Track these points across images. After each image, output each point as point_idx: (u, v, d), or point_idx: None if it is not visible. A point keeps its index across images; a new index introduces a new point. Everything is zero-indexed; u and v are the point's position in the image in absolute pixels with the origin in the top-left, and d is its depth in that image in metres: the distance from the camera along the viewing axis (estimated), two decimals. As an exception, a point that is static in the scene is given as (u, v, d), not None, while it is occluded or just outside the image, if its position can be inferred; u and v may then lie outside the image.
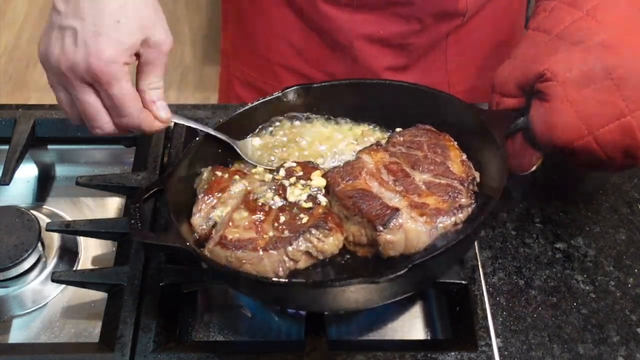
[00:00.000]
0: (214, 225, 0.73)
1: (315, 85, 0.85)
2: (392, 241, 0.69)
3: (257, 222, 0.70)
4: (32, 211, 0.84)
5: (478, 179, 0.76)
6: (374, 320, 0.81)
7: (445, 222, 0.70)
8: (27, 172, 0.96)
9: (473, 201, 0.73)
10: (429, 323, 0.81)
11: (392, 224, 0.69)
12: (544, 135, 0.75)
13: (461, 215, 0.71)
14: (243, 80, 1.17)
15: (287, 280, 0.68)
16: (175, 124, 0.93)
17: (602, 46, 0.72)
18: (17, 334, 0.80)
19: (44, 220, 0.86)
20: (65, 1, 0.68)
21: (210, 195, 0.74)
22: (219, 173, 0.76)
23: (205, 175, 0.77)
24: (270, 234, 0.69)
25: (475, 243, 0.82)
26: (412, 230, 0.69)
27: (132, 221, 0.69)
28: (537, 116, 0.75)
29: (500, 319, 0.78)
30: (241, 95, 1.18)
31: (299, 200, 0.73)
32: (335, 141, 0.85)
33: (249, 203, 0.72)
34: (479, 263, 0.80)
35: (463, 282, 0.77)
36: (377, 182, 0.74)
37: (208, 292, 0.83)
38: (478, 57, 1.10)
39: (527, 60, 0.77)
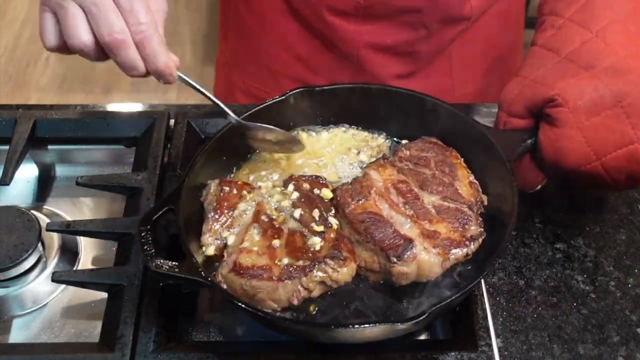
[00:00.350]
0: (224, 245, 0.73)
1: (318, 88, 0.85)
2: (406, 273, 0.70)
3: (270, 247, 0.71)
4: (32, 211, 0.84)
5: (486, 202, 0.77)
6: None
7: (458, 254, 0.71)
8: (27, 172, 0.96)
9: (482, 229, 0.74)
10: (430, 323, 0.81)
11: (406, 256, 0.70)
12: (552, 159, 0.76)
13: (473, 247, 0.72)
14: (245, 91, 1.17)
15: (305, 320, 0.69)
16: (176, 123, 0.93)
17: (611, 71, 0.73)
18: (17, 334, 0.80)
19: (44, 220, 0.86)
20: None
21: (219, 214, 0.74)
22: (226, 188, 0.76)
23: (212, 189, 0.77)
24: (285, 261, 0.70)
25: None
26: (425, 262, 0.70)
27: (146, 247, 0.68)
28: (546, 141, 0.76)
29: (501, 319, 0.78)
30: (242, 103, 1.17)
31: (309, 223, 0.73)
32: (337, 147, 0.86)
33: (261, 224, 0.72)
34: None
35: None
36: (387, 203, 0.75)
37: (208, 292, 0.83)
38: (481, 60, 1.10)
39: (537, 82, 0.77)
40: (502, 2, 1.06)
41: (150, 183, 0.86)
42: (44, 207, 0.93)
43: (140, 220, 0.71)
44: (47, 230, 0.83)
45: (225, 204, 0.75)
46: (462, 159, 0.81)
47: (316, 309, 0.71)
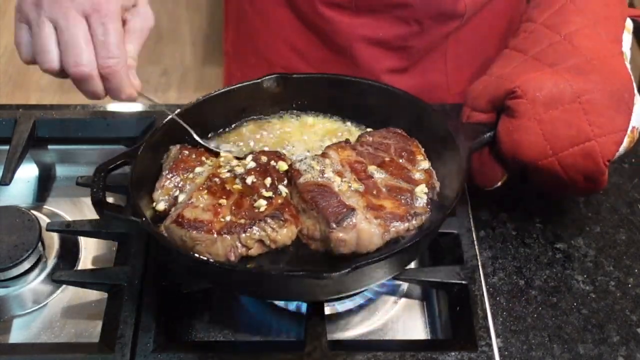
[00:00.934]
0: (175, 204, 0.73)
1: (294, 75, 0.85)
2: (344, 239, 0.70)
3: (216, 205, 0.71)
4: (32, 211, 0.84)
5: (438, 189, 0.76)
6: (375, 320, 0.81)
7: (399, 227, 0.71)
8: (27, 172, 0.96)
9: (429, 209, 0.73)
10: (429, 323, 0.81)
11: (345, 222, 0.69)
12: (509, 150, 0.76)
13: (415, 222, 0.72)
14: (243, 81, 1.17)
15: (230, 265, 0.68)
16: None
17: (574, 69, 0.74)
18: (18, 334, 0.80)
19: (44, 220, 0.86)
20: None
21: (174, 173, 0.75)
22: (186, 152, 0.77)
23: (172, 152, 0.78)
24: (227, 218, 0.70)
25: (476, 243, 0.82)
26: (365, 231, 0.70)
27: (94, 189, 0.70)
28: (504, 131, 0.77)
29: (501, 319, 0.78)
30: None
31: (260, 187, 0.73)
32: (308, 135, 0.86)
33: (212, 186, 0.73)
34: (479, 263, 0.80)
35: (463, 282, 0.77)
36: (338, 178, 0.75)
37: (208, 292, 0.83)
38: (477, 57, 1.10)
39: (501, 78, 0.78)
40: (498, 1, 1.06)
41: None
42: (44, 207, 0.93)
43: (96, 169, 0.72)
44: (47, 230, 0.83)
45: (182, 165, 0.76)
46: (423, 149, 0.80)
47: (252, 268, 0.71)
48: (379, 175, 0.76)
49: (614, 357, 0.75)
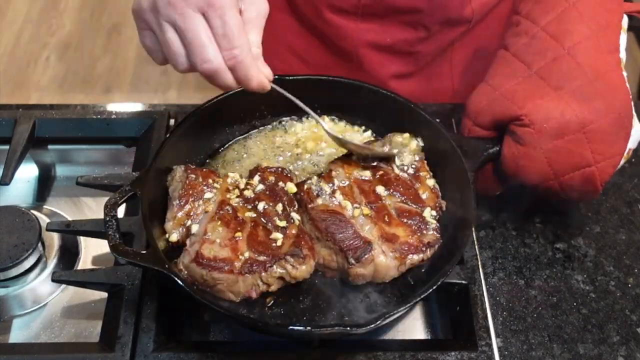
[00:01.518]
0: (187, 233, 0.73)
1: (290, 77, 0.85)
2: (363, 274, 0.72)
3: (232, 240, 0.71)
4: (32, 211, 0.84)
5: (444, 208, 0.78)
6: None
7: (414, 259, 0.73)
8: (27, 172, 0.96)
9: (439, 236, 0.75)
10: (430, 323, 0.81)
11: (364, 258, 0.71)
12: (513, 173, 0.80)
13: (429, 253, 0.74)
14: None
15: (255, 318, 0.70)
16: (175, 123, 0.93)
17: (579, 95, 0.76)
18: (18, 334, 0.80)
19: (44, 220, 0.86)
20: None
21: (184, 201, 0.74)
22: (192, 176, 0.76)
23: (177, 175, 0.77)
24: (246, 255, 0.70)
25: (476, 243, 0.82)
26: (382, 265, 0.72)
27: (110, 233, 0.70)
28: (509, 156, 0.79)
29: (501, 319, 0.78)
30: None
31: (272, 217, 0.74)
32: (316, 138, 0.87)
33: (224, 216, 0.73)
34: (479, 263, 0.80)
35: (463, 282, 0.77)
36: (349, 202, 0.76)
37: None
38: (483, 62, 1.09)
39: (506, 98, 0.79)
40: (504, 6, 1.06)
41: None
42: (44, 207, 0.93)
43: (105, 206, 0.72)
44: (47, 230, 0.83)
45: (191, 191, 0.75)
46: (426, 162, 0.82)
47: (272, 301, 0.73)
48: (387, 196, 0.77)
49: (613, 357, 0.75)
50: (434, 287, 0.69)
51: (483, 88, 0.83)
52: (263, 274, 0.70)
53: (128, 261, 0.69)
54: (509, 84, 0.80)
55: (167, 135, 0.80)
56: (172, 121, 0.94)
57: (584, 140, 0.76)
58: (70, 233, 0.85)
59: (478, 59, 1.09)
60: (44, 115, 0.95)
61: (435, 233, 0.75)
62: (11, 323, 0.81)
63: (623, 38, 0.80)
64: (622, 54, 0.80)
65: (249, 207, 0.75)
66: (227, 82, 0.68)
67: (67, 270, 0.84)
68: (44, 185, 0.96)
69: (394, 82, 1.05)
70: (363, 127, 0.90)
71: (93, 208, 0.95)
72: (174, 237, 0.73)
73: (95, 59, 2.59)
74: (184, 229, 0.73)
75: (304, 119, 0.90)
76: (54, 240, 0.86)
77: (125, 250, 0.69)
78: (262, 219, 0.74)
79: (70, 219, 0.89)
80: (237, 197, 0.75)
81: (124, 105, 0.99)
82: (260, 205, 0.74)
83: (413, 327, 0.81)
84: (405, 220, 0.75)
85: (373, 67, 1.04)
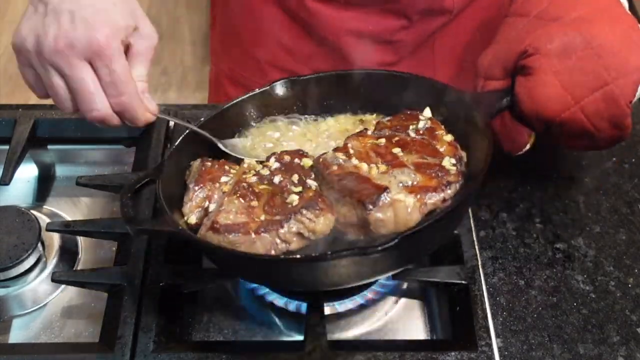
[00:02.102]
0: (206, 215, 0.73)
1: (302, 77, 0.85)
2: (383, 219, 0.68)
3: (249, 207, 0.70)
4: (32, 211, 0.84)
5: (465, 159, 0.76)
6: (375, 320, 0.81)
7: (434, 198, 0.70)
8: (27, 172, 0.96)
9: (461, 178, 0.72)
10: (429, 323, 0.81)
11: (381, 201, 0.68)
12: (530, 108, 0.76)
13: (450, 192, 0.71)
14: (232, 79, 1.17)
15: (279, 255, 0.68)
16: (176, 124, 0.93)
17: (579, 20, 0.74)
18: (17, 334, 0.80)
19: (44, 220, 0.86)
20: None
21: (201, 185, 0.74)
22: (208, 164, 0.76)
23: (195, 167, 0.77)
24: (262, 217, 0.69)
25: (476, 243, 0.82)
26: (401, 207, 0.69)
27: (125, 209, 0.69)
28: (523, 91, 0.76)
29: (501, 319, 0.78)
30: (231, 94, 1.17)
31: (288, 185, 0.73)
32: (333, 134, 0.85)
33: (241, 190, 0.72)
34: (479, 263, 0.80)
35: (463, 282, 0.77)
36: (365, 163, 0.74)
37: (208, 292, 0.83)
38: (465, 52, 1.10)
39: (510, 42, 0.78)
40: None
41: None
42: (44, 207, 0.93)
43: (122, 190, 0.72)
44: (47, 230, 0.83)
45: (207, 176, 0.75)
46: (443, 126, 0.80)
47: (300, 254, 0.70)
48: (404, 154, 0.75)
49: (614, 357, 0.75)
50: (462, 200, 0.68)
51: (489, 47, 0.82)
52: (280, 230, 0.68)
53: (141, 229, 0.69)
54: (511, 34, 0.79)
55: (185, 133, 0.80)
56: (172, 122, 0.94)
57: (594, 56, 0.73)
58: (70, 233, 0.85)
59: (460, 49, 1.10)
60: (43, 115, 0.95)
61: (455, 174, 0.72)
62: (11, 323, 0.81)
63: None
64: (625, 2, 0.79)
65: (265, 182, 0.74)
66: (114, 124, 0.70)
67: (66, 270, 0.84)
68: (44, 185, 0.97)
69: None
70: (368, 113, 0.88)
71: (93, 208, 0.95)
72: (193, 218, 0.72)
73: (95, 59, 2.59)
74: (202, 211, 0.73)
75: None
76: (54, 240, 0.86)
77: (139, 219, 0.70)
78: (278, 189, 0.73)
79: (70, 219, 0.89)
80: (254, 176, 0.75)
81: (123, 106, 0.98)
82: (276, 179, 0.74)
83: (413, 327, 0.81)
84: (423, 170, 0.72)
85: (356, 56, 1.04)
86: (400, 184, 0.71)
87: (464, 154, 0.76)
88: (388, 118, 0.83)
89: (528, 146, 0.82)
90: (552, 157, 0.95)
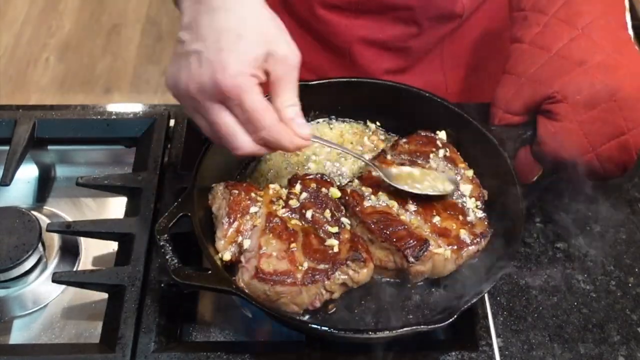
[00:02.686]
0: (239, 250, 0.73)
1: (312, 83, 0.85)
2: (423, 271, 0.73)
3: (288, 251, 0.70)
4: (32, 212, 0.84)
5: (486, 197, 0.78)
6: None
7: (469, 251, 0.74)
8: (27, 173, 0.96)
9: (488, 225, 0.76)
10: (430, 323, 0.81)
11: (423, 255, 0.72)
12: (551, 151, 0.80)
13: (483, 243, 0.75)
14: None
15: (331, 329, 0.67)
16: (176, 123, 0.93)
17: (603, 68, 0.77)
18: (18, 335, 0.80)
19: (44, 220, 0.86)
20: (188, 29, 0.65)
21: (231, 218, 0.73)
22: (235, 192, 0.75)
23: (219, 193, 0.76)
24: (305, 265, 0.70)
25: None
26: (440, 260, 0.73)
27: (167, 257, 0.69)
28: (547, 134, 0.79)
29: (501, 319, 0.78)
30: None
31: (322, 224, 0.74)
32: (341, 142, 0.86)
33: (275, 228, 0.72)
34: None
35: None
36: (395, 202, 0.76)
37: (209, 293, 0.83)
38: (473, 56, 1.10)
39: (534, 81, 0.80)
40: (493, 1, 1.06)
41: (150, 183, 0.86)
42: (45, 207, 0.93)
43: (157, 230, 0.71)
44: (48, 231, 0.83)
45: (236, 207, 0.74)
46: (459, 154, 0.82)
47: (334, 308, 0.73)
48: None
49: (614, 357, 0.75)
50: (499, 275, 0.71)
51: (507, 79, 0.83)
52: (326, 282, 0.69)
53: (192, 284, 0.68)
54: (533, 69, 0.81)
55: (203, 152, 0.79)
56: (172, 122, 0.94)
57: (615, 109, 0.77)
58: (71, 234, 0.85)
59: (468, 53, 1.10)
60: (44, 115, 0.95)
61: (484, 223, 0.76)
62: (12, 324, 0.81)
63: (628, 17, 0.82)
64: (631, 32, 0.81)
65: (297, 216, 0.74)
66: (262, 153, 0.70)
67: (67, 271, 0.84)
68: (44, 186, 0.96)
69: (387, 78, 1.05)
70: (381, 126, 0.89)
71: (93, 209, 0.95)
72: (227, 255, 0.72)
73: (95, 60, 2.59)
74: (236, 246, 0.73)
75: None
76: (54, 241, 0.86)
77: (189, 274, 0.68)
78: (312, 226, 0.73)
79: (70, 219, 0.89)
80: (283, 207, 0.75)
81: (124, 106, 0.99)
82: (308, 214, 0.74)
83: (413, 327, 0.81)
84: (451, 213, 0.76)
85: (366, 63, 1.05)
86: (436, 233, 0.74)
87: (485, 193, 0.79)
88: (404, 140, 0.83)
89: (535, 178, 0.85)
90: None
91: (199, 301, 0.82)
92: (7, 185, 0.88)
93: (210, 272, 0.69)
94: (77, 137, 0.95)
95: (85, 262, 0.87)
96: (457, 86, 1.11)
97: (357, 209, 0.75)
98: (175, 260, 0.69)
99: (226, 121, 0.65)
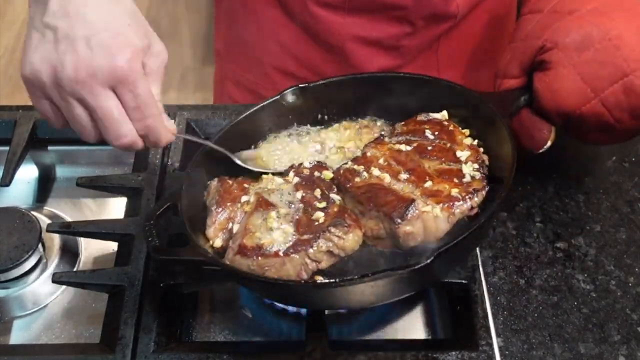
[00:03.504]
0: (230, 237, 0.72)
1: (311, 84, 0.85)
2: (412, 232, 0.69)
3: (274, 226, 0.70)
4: (32, 212, 0.84)
5: (487, 162, 0.76)
6: (375, 320, 0.81)
7: (462, 207, 0.70)
8: (27, 173, 0.96)
9: (485, 184, 0.72)
10: (430, 323, 0.81)
11: (409, 214, 0.68)
12: (550, 102, 0.76)
13: (477, 199, 0.71)
14: (235, 82, 1.17)
15: (315, 282, 0.67)
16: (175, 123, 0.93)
17: (595, 12, 0.74)
18: (18, 335, 0.80)
19: (44, 221, 0.86)
20: (61, 17, 0.63)
21: (222, 207, 0.74)
22: (228, 183, 0.76)
23: (213, 187, 0.77)
24: (289, 237, 0.69)
25: (476, 242, 0.82)
26: (430, 219, 0.69)
27: (150, 239, 0.69)
28: (542, 85, 0.76)
29: (501, 319, 0.78)
30: (234, 96, 1.17)
31: (312, 202, 0.72)
32: (344, 141, 0.86)
33: (262, 206, 0.72)
34: (480, 262, 0.80)
35: (463, 281, 0.77)
36: (388, 174, 0.74)
37: (209, 293, 0.83)
38: (469, 56, 1.10)
39: (526, 39, 0.77)
40: (490, 1, 1.06)
41: (150, 184, 0.86)
42: (45, 208, 0.93)
43: (144, 217, 0.71)
44: (48, 231, 0.83)
45: (228, 197, 0.74)
46: (461, 128, 0.80)
47: (321, 279, 0.69)
48: (425, 162, 0.75)
49: (614, 356, 0.75)
50: (492, 212, 0.67)
51: (506, 48, 0.81)
52: (310, 250, 0.67)
53: (169, 259, 0.69)
54: (526, 31, 0.79)
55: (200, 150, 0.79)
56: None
57: (612, 48, 0.72)
58: (71, 234, 0.85)
59: (464, 53, 1.10)
60: (43, 116, 0.95)
61: (480, 181, 0.72)
62: (12, 324, 0.81)
63: None
64: None
65: (287, 198, 0.73)
66: (138, 148, 0.68)
67: (67, 271, 0.84)
68: (44, 187, 0.97)
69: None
70: (375, 119, 0.88)
71: (93, 209, 0.95)
72: (218, 242, 0.72)
73: (95, 60, 2.59)
74: (227, 232, 0.73)
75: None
76: (55, 241, 0.86)
77: (167, 250, 0.69)
78: (301, 206, 0.72)
79: (70, 220, 0.89)
80: (275, 194, 0.74)
81: (123, 106, 0.98)
82: (298, 194, 0.73)
83: (413, 326, 0.81)
84: (446, 177, 0.73)
85: (359, 61, 1.04)
86: (426, 194, 0.71)
87: (485, 158, 0.76)
88: (402, 123, 0.82)
89: (549, 143, 0.80)
90: (553, 156, 0.95)
91: (199, 301, 0.82)
92: (7, 185, 0.88)
93: (187, 246, 0.69)
94: (77, 137, 0.95)
95: (85, 263, 0.87)
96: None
97: (349, 185, 0.73)
98: (156, 240, 0.69)
99: (114, 106, 0.64)
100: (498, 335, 0.76)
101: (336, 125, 0.87)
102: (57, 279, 0.78)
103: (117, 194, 0.90)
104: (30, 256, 0.80)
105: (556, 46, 0.74)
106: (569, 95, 0.74)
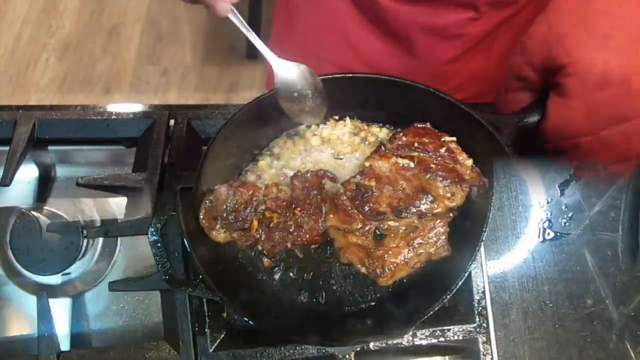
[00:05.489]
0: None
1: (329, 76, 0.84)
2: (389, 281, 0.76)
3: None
4: (32, 212, 0.84)
5: (487, 185, 0.77)
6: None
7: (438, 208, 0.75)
8: (27, 173, 0.96)
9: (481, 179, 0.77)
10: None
11: (385, 273, 0.75)
12: (555, 126, 0.77)
13: (461, 190, 0.76)
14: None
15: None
16: (176, 123, 0.94)
17: (625, 51, 0.73)
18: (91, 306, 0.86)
19: (44, 221, 0.86)
20: None
21: (229, 208, 0.76)
22: (241, 190, 0.78)
23: (223, 194, 0.78)
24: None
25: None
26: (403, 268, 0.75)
27: (159, 266, 0.76)
28: (553, 108, 0.77)
29: (501, 318, 0.78)
30: None
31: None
32: (348, 139, 0.86)
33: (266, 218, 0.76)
34: (481, 261, 0.80)
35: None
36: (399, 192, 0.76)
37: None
38: None
39: (559, 41, 0.76)
40: None
41: (150, 183, 0.86)
42: (45, 207, 0.93)
43: (149, 233, 0.75)
44: (88, 237, 0.85)
45: (236, 206, 0.77)
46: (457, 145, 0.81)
47: (273, 265, 0.77)
48: (431, 182, 0.78)
49: (615, 356, 0.75)
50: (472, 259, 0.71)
51: (540, 27, 0.79)
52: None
53: (184, 290, 0.76)
54: (564, 26, 0.77)
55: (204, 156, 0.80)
56: (172, 122, 0.95)
57: (625, 95, 0.73)
58: (110, 237, 0.87)
59: (519, 39, 1.09)
60: (44, 116, 0.95)
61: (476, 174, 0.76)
62: (83, 297, 0.88)
63: None
64: None
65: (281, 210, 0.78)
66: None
67: (121, 279, 0.85)
68: (44, 186, 0.97)
69: (443, 67, 1.06)
70: (380, 123, 0.89)
71: (93, 209, 0.95)
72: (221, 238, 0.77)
73: (95, 60, 2.59)
74: (230, 229, 0.77)
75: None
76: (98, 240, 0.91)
77: (179, 281, 0.77)
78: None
79: (70, 219, 0.89)
80: (273, 202, 0.78)
81: (124, 106, 0.99)
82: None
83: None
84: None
85: (426, 50, 1.06)
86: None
87: (486, 181, 0.78)
88: (401, 132, 0.83)
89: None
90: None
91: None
92: (7, 185, 0.88)
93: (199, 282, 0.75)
94: (77, 137, 0.95)
95: (122, 245, 0.92)
96: (499, 71, 1.10)
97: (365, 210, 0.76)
98: (170, 266, 0.75)
99: None
100: (497, 335, 0.76)
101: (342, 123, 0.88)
102: (113, 288, 0.81)
103: (117, 193, 0.90)
104: (78, 255, 0.84)
105: (577, 76, 0.74)
106: (572, 125, 0.76)
